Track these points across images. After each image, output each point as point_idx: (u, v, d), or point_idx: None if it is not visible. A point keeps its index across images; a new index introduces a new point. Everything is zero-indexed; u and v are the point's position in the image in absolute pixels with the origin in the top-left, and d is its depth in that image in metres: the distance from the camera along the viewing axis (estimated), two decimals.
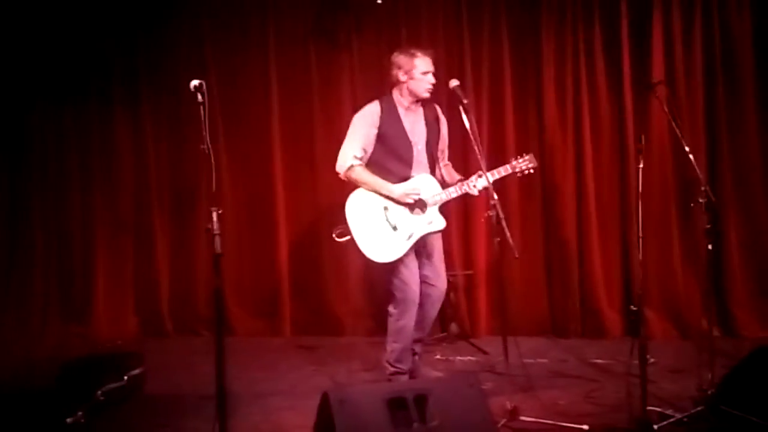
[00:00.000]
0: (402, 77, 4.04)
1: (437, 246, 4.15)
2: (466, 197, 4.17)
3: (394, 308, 4.06)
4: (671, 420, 3.39)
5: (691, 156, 3.66)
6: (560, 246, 5.52)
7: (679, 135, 3.75)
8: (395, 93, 4.10)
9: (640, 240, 3.41)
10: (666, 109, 4.02)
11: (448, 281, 4.36)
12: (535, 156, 5.45)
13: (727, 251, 5.28)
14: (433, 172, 4.11)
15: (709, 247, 3.65)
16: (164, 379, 4.54)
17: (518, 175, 4.03)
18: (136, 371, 4.25)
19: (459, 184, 4.00)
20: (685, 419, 3.42)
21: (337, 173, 4.09)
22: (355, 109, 5.68)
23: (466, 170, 4.77)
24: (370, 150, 4.04)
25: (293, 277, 5.91)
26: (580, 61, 5.46)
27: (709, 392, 3.49)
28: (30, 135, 5.92)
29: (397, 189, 3.96)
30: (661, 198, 5.35)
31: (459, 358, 4.94)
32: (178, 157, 5.96)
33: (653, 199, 5.25)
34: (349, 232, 3.98)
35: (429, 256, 4.11)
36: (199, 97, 2.93)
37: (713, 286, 4.88)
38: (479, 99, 5.56)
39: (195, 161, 5.73)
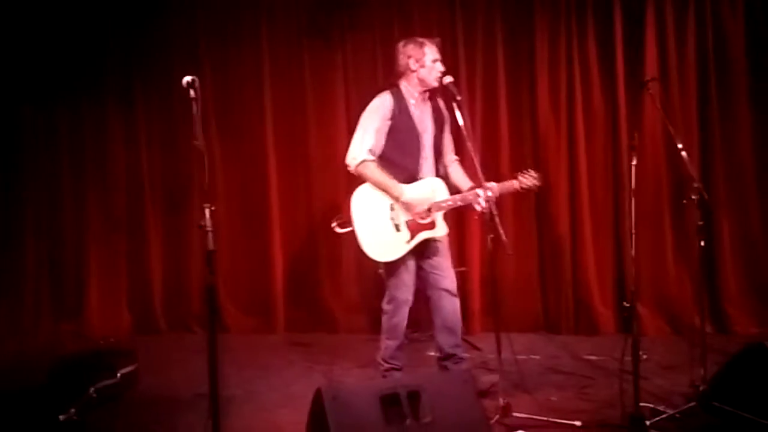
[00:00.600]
0: (413, 66, 3.98)
1: (443, 251, 4.02)
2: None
3: (388, 305, 4.05)
4: (663, 416, 3.41)
5: (683, 153, 3.66)
6: (553, 243, 5.53)
7: (672, 132, 3.76)
8: (403, 84, 4.03)
9: (633, 237, 3.42)
10: (659, 107, 4.03)
11: None
12: (528, 153, 5.56)
13: (720, 248, 5.30)
14: (436, 167, 4.02)
15: (702, 244, 3.65)
16: (157, 377, 4.53)
17: (522, 191, 3.91)
18: (129, 368, 4.23)
19: (464, 194, 3.90)
20: (677, 415, 3.43)
21: (347, 166, 3.98)
22: (348, 107, 5.76)
23: None
24: (382, 143, 3.96)
25: (287, 274, 5.91)
26: (573, 59, 5.46)
27: (701, 388, 3.50)
28: (22, 131, 5.91)
29: (406, 195, 3.86)
30: (654, 195, 5.36)
31: None
32: (171, 153, 5.95)
33: (646, 196, 5.26)
34: (349, 224, 3.93)
35: (435, 261, 4.00)
36: (192, 93, 2.92)
37: (705, 283, 4.89)
38: (473, 96, 5.57)
39: (188, 158, 5.74)
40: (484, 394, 3.69)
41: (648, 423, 3.26)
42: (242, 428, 3.63)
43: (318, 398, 2.93)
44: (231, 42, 5.93)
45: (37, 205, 5.94)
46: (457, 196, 3.91)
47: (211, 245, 2.90)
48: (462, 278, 5.52)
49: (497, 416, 3.46)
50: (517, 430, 3.37)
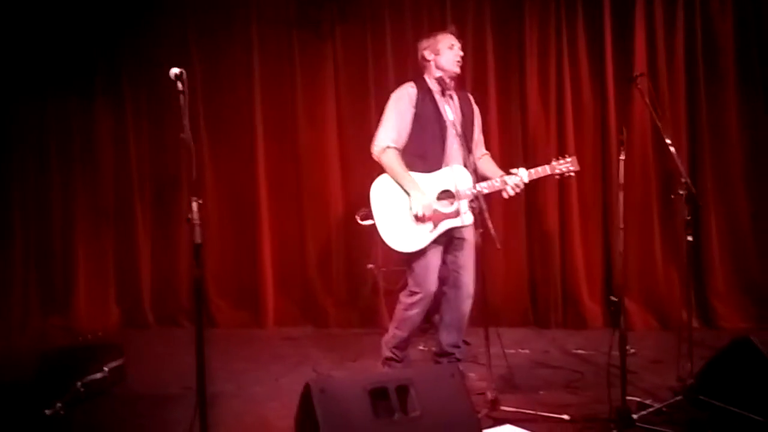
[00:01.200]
0: (429, 56, 3.98)
1: (468, 250, 3.98)
2: None
3: (407, 297, 3.99)
4: (650, 410, 3.42)
5: (672, 148, 3.67)
6: (542, 237, 5.55)
7: (661, 127, 3.77)
8: (426, 77, 4.03)
9: (621, 231, 3.43)
10: (648, 102, 4.03)
11: None
12: (517, 147, 5.56)
13: (707, 243, 5.32)
14: (467, 161, 3.92)
15: (689, 238, 3.67)
16: (145, 371, 4.52)
17: (557, 177, 3.89)
18: (117, 363, 4.23)
19: (493, 180, 3.84)
20: (664, 409, 3.44)
21: (372, 153, 3.96)
22: (338, 101, 5.75)
23: None
24: (407, 132, 3.93)
25: (276, 268, 5.90)
26: (563, 53, 5.47)
27: (688, 382, 3.52)
28: (9, 123, 5.85)
29: (416, 194, 3.80)
30: (643, 190, 5.38)
31: None
32: (160, 146, 5.93)
33: (634, 191, 5.28)
34: (371, 216, 3.91)
35: (459, 259, 3.97)
36: (180, 85, 2.90)
37: (693, 278, 4.92)
38: (463, 89, 5.55)
39: (176, 151, 5.73)
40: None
41: (635, 417, 3.27)
42: (231, 422, 3.62)
43: (306, 392, 2.93)
44: (220, 34, 5.90)
45: (25, 199, 5.89)
46: (484, 183, 3.83)
47: (198, 238, 2.88)
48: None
49: (485, 410, 3.46)
50: (505, 423, 3.37)
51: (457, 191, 3.82)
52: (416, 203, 3.80)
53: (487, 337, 3.58)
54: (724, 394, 3.31)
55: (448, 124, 3.90)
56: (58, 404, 3.63)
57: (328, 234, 5.78)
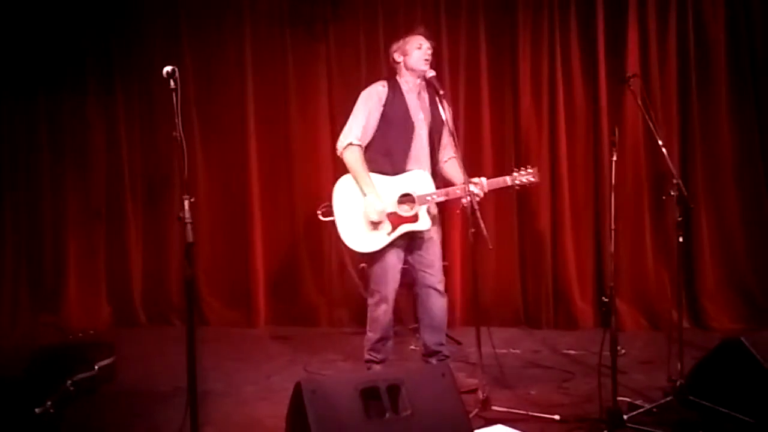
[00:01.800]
0: (398, 58, 4.01)
1: (432, 248, 3.99)
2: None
3: (370, 298, 4.05)
4: (641, 410, 3.42)
5: (663, 149, 3.68)
6: (534, 238, 5.56)
7: (653, 128, 3.78)
8: (398, 78, 4.04)
9: (613, 232, 3.43)
10: (640, 103, 4.05)
11: None
12: (510, 148, 5.57)
13: (698, 244, 5.34)
14: (433, 163, 3.99)
15: (680, 239, 3.68)
16: (136, 370, 4.51)
17: (517, 187, 3.91)
18: (107, 361, 4.20)
19: (450, 188, 3.87)
20: (654, 409, 3.45)
21: (336, 149, 3.98)
22: (331, 99, 5.75)
23: None
24: (372, 131, 3.95)
25: (268, 267, 5.90)
26: (555, 54, 5.48)
27: (678, 383, 3.53)
28: (0, 122, 5.82)
29: (369, 196, 3.83)
30: (634, 191, 5.40)
31: None
32: (152, 144, 5.92)
33: (626, 192, 5.30)
34: (332, 213, 3.92)
35: (423, 258, 3.98)
36: (172, 83, 2.89)
37: (684, 279, 4.94)
38: (455, 90, 5.57)
39: (168, 149, 5.71)
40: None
41: (625, 417, 3.28)
42: (221, 421, 3.61)
43: (297, 392, 2.92)
44: (213, 32, 5.89)
45: (16, 196, 5.87)
46: (442, 190, 3.88)
47: (190, 237, 2.87)
48: (443, 272, 5.55)
49: (477, 410, 3.47)
50: (496, 423, 3.38)
51: (418, 196, 3.85)
52: (370, 207, 3.83)
53: (478, 337, 3.59)
54: (715, 395, 3.33)
55: (416, 126, 3.94)
56: (48, 402, 3.61)
57: (320, 233, 5.77)
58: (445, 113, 3.81)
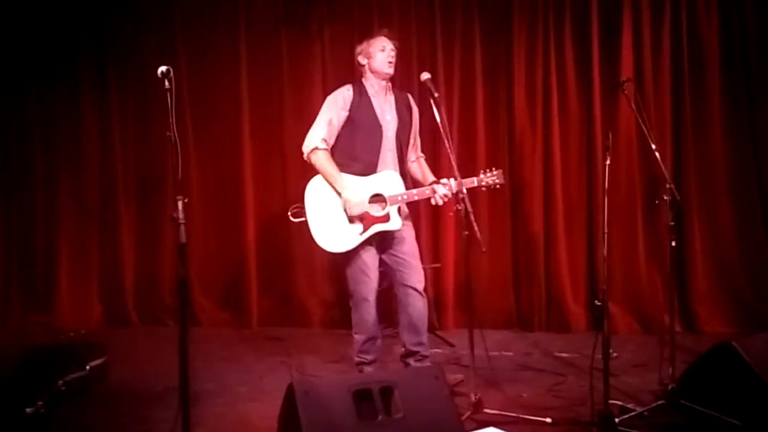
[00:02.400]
0: (363, 61, 4.05)
1: (408, 247, 4.01)
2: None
3: (349, 300, 4.07)
4: (632, 413, 3.44)
5: (657, 154, 3.70)
6: (527, 240, 5.57)
7: (646, 133, 3.80)
8: (363, 80, 4.09)
9: (605, 236, 3.44)
10: (633, 107, 4.07)
11: None
12: (504, 152, 5.58)
13: (690, 248, 5.36)
14: (401, 163, 4.03)
15: (673, 243, 3.70)
16: (128, 370, 4.49)
17: (483, 188, 3.91)
18: (99, 361, 4.19)
19: (421, 189, 3.92)
20: (646, 413, 3.47)
21: (302, 153, 4.01)
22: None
23: (435, 165, 4.79)
24: (336, 133, 3.98)
25: (261, 268, 5.88)
26: (550, 58, 5.49)
27: (670, 387, 3.55)
28: None
29: (346, 193, 3.85)
30: (627, 195, 5.42)
31: None
32: (145, 144, 5.90)
33: (619, 196, 5.32)
34: (303, 214, 3.94)
35: (399, 257, 3.99)
36: (166, 83, 2.88)
37: (676, 283, 4.96)
38: (450, 93, 5.58)
39: (162, 149, 5.69)
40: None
41: (617, 420, 3.29)
42: (213, 422, 3.61)
43: (290, 393, 2.92)
44: (208, 31, 5.88)
45: (8, 195, 5.84)
46: (413, 191, 3.92)
47: (183, 238, 2.86)
48: (436, 274, 5.57)
49: (469, 412, 3.47)
50: (488, 426, 3.38)
51: (389, 196, 3.87)
52: (350, 203, 3.86)
53: (471, 339, 3.60)
54: (706, 399, 3.35)
55: (384, 127, 3.97)
56: (39, 402, 3.59)
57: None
58: (439, 116, 3.81)
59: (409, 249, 4.02)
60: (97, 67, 5.90)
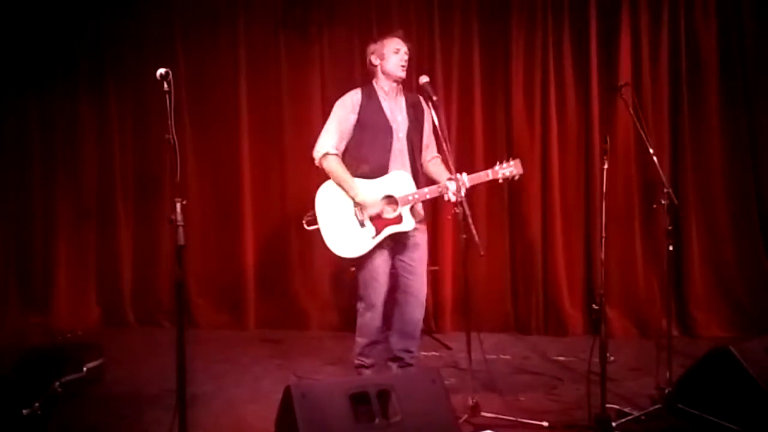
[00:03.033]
0: (375, 61, 4.01)
1: (418, 254, 4.00)
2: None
3: (358, 303, 4.04)
4: (629, 417, 3.44)
5: (654, 158, 3.71)
6: (525, 244, 5.57)
7: (644, 137, 3.80)
8: (374, 81, 4.06)
9: (603, 240, 3.45)
10: (631, 111, 4.07)
11: None
12: (501, 154, 5.56)
13: (688, 252, 5.36)
14: (414, 165, 3.99)
15: (670, 248, 3.71)
16: (124, 371, 4.49)
17: (500, 181, 3.90)
18: (96, 362, 4.19)
19: (432, 187, 3.89)
20: (643, 417, 3.47)
21: (313, 159, 4.00)
22: (324, 103, 5.73)
23: None
24: (347, 138, 3.97)
25: (259, 270, 5.88)
26: (548, 62, 5.50)
27: (667, 391, 3.55)
28: None
29: (360, 197, 3.84)
30: (625, 199, 5.42)
31: (423, 353, 4.93)
32: (144, 146, 5.90)
33: (617, 200, 5.33)
34: (317, 222, 3.93)
35: (408, 263, 3.98)
36: (165, 86, 2.88)
37: (673, 287, 4.96)
38: (448, 95, 5.59)
39: (160, 151, 5.69)
40: None
41: (614, 424, 3.30)
42: (210, 424, 3.61)
43: (287, 396, 2.92)
44: (207, 34, 5.88)
45: (6, 196, 5.83)
46: (425, 189, 3.89)
47: (181, 240, 2.86)
48: (434, 277, 5.56)
49: (466, 415, 3.47)
50: (485, 429, 3.38)
51: (400, 197, 3.85)
52: (365, 205, 3.84)
53: (468, 342, 3.60)
54: (703, 403, 3.34)
55: (395, 129, 3.95)
56: (36, 404, 3.59)
57: (310, 237, 5.72)
58: (437, 119, 3.80)
59: (420, 256, 4.02)
60: (96, 69, 5.90)
